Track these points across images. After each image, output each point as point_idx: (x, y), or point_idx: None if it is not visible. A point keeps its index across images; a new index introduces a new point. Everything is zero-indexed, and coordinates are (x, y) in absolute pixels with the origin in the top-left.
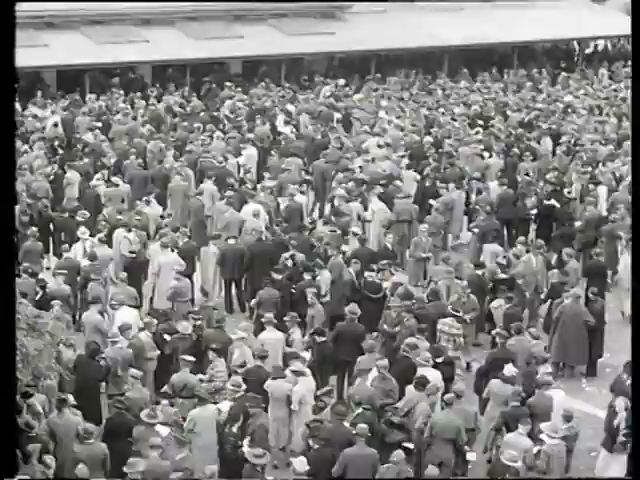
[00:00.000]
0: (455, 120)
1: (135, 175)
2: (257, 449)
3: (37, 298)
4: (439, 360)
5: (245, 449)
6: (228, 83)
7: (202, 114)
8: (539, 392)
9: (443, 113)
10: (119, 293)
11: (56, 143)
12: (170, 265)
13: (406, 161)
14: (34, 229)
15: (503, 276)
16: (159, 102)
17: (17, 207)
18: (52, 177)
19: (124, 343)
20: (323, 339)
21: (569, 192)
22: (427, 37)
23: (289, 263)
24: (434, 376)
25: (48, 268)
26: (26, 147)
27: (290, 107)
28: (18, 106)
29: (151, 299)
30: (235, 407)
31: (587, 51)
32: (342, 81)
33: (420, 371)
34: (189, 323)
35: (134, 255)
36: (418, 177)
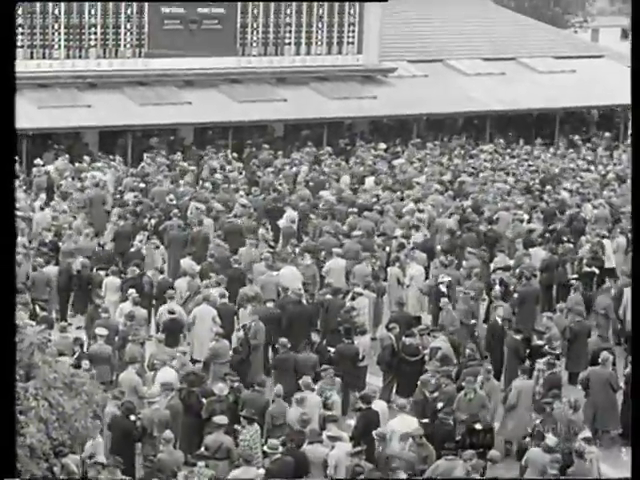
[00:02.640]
0: (495, 183)
1: (175, 236)
2: None
3: (74, 357)
4: (478, 427)
5: None
6: (266, 145)
7: (241, 176)
8: (578, 461)
9: (483, 178)
10: (158, 354)
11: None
12: (205, 316)
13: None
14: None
15: (540, 342)
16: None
17: (57, 267)
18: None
19: (162, 404)
20: (369, 406)
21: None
22: (468, 102)
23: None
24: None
25: (86, 327)
26: (65, 207)
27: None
28: (57, 165)
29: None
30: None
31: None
32: (383, 145)
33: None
34: (225, 385)
35: (173, 315)
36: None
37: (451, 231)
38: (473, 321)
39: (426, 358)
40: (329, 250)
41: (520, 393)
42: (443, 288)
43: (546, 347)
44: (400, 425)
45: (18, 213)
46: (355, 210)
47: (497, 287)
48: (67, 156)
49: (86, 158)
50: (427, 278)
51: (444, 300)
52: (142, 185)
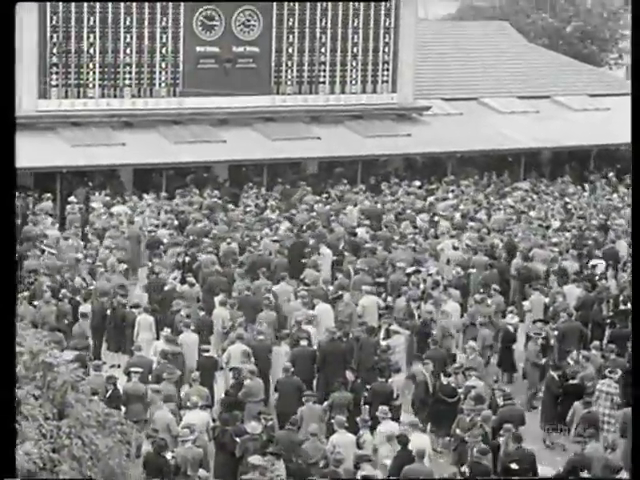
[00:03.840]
0: (531, 223)
1: (208, 274)
2: None
3: (108, 395)
4: (514, 466)
5: None
6: (303, 182)
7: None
8: None
9: (517, 215)
10: (191, 393)
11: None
12: (239, 354)
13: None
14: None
15: (574, 381)
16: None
17: (89, 306)
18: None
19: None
20: (405, 446)
21: None
22: (502, 140)
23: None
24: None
25: (119, 366)
26: (109, 243)
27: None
28: (99, 202)
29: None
30: None
31: None
32: (417, 183)
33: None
34: (259, 424)
35: (207, 354)
36: None
37: (464, 267)
38: (544, 360)
39: (461, 397)
40: (360, 288)
41: (575, 414)
42: (511, 329)
43: (606, 371)
44: (417, 443)
45: (52, 251)
46: (379, 244)
47: (540, 341)
48: (107, 192)
49: (134, 198)
50: (462, 315)
51: (472, 343)
52: (176, 222)
